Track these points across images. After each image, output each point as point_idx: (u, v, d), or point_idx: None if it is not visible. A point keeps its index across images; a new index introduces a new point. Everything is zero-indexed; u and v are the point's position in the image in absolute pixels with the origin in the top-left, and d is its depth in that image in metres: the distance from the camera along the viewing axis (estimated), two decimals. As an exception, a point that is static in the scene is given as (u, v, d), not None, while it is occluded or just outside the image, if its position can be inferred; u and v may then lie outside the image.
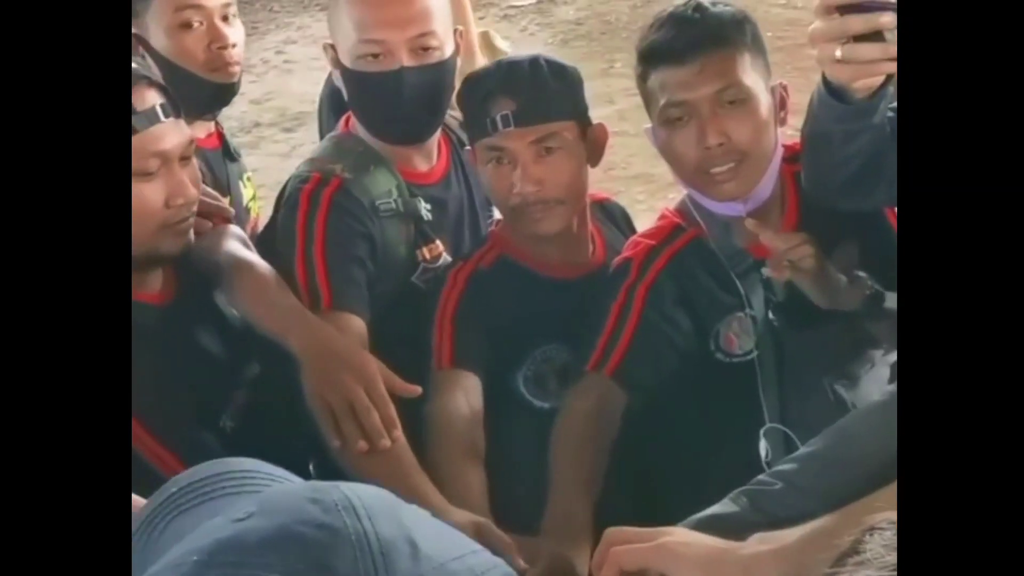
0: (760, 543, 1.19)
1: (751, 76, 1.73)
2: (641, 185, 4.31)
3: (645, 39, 1.76)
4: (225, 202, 1.96)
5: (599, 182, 4.26)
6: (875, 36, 1.34)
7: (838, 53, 1.36)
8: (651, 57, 1.75)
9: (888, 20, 1.32)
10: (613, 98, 4.81)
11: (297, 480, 0.75)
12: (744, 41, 1.73)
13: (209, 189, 1.90)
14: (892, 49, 1.33)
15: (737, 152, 1.72)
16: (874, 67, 1.37)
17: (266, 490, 0.64)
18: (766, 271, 1.73)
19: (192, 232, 1.71)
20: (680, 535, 1.25)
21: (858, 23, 1.34)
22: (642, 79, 1.77)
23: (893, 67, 1.36)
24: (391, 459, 1.60)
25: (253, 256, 1.78)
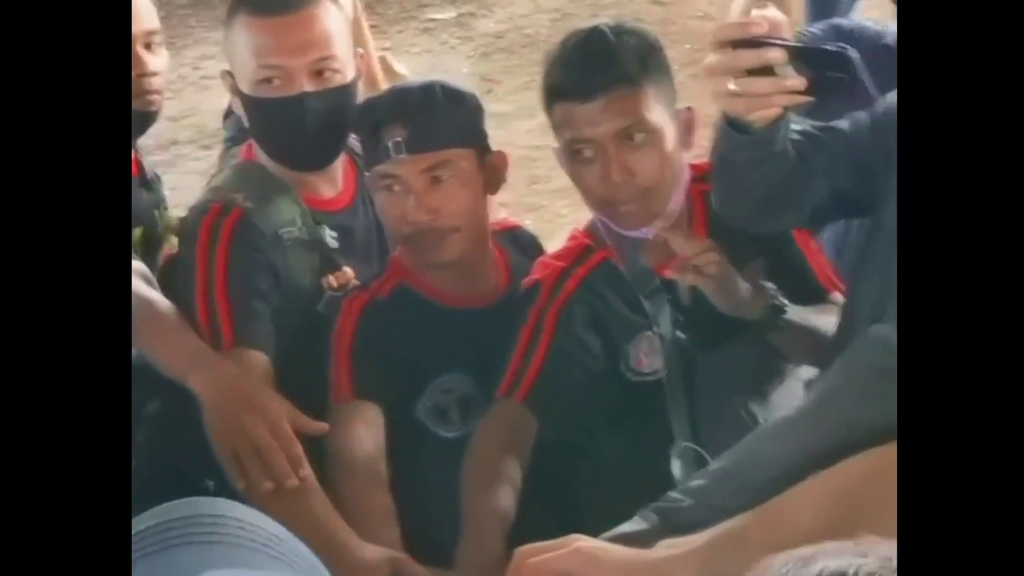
0: (669, 548, 1.23)
1: (655, 110, 1.72)
2: (564, 199, 4.28)
3: (550, 74, 1.75)
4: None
5: (522, 196, 4.26)
6: (767, 71, 1.37)
7: (731, 86, 1.39)
8: (555, 93, 1.75)
9: (777, 55, 1.36)
10: (534, 112, 4.80)
11: (270, 526, 0.73)
12: (648, 76, 1.73)
13: None
14: (783, 83, 1.37)
15: (641, 188, 1.73)
16: (767, 100, 1.41)
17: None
18: (670, 272, 1.73)
19: None
20: (591, 541, 1.28)
21: (749, 58, 1.38)
22: (547, 108, 1.77)
23: (786, 100, 1.40)
24: (300, 498, 1.58)
25: (153, 294, 1.74)
